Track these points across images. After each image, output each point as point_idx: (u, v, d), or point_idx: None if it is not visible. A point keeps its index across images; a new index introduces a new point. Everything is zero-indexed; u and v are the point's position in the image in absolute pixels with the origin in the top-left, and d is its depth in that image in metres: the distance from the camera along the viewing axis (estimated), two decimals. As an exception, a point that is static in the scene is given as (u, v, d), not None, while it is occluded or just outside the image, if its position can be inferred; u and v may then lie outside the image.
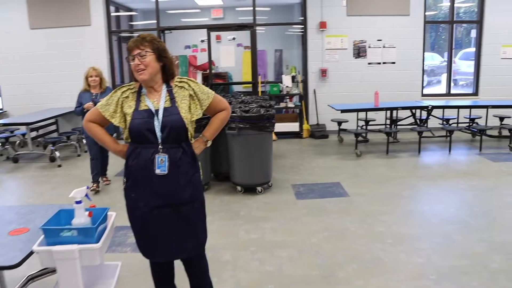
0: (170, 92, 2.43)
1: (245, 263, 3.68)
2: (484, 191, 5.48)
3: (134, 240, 4.08)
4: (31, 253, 1.97)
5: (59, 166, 7.24)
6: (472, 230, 4.30)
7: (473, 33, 12.08)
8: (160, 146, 2.32)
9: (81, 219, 2.04)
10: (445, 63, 14.64)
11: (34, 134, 8.31)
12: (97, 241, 1.99)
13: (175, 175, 2.36)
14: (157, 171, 2.31)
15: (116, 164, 7.08)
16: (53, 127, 8.82)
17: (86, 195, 2.17)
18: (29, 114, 8.44)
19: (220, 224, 4.56)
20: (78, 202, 2.05)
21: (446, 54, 14.49)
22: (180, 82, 2.48)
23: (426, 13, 9.36)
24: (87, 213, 2.09)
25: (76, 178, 6.53)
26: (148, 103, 2.37)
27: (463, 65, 13.64)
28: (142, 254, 2.52)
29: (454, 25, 9.88)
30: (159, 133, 2.32)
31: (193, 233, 2.49)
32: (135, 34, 11.64)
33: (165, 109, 2.36)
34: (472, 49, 12.02)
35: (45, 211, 2.51)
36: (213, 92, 2.55)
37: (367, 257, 3.77)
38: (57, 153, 7.38)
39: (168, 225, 2.41)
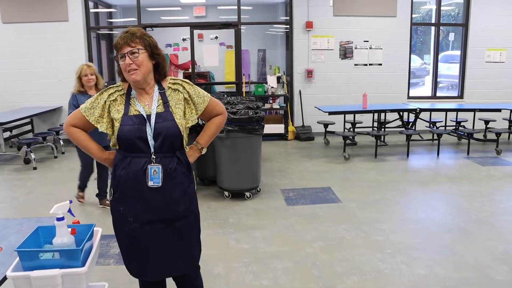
0: (163, 95, 2.17)
1: (238, 277, 3.44)
2: (478, 196, 5.36)
3: (118, 251, 3.83)
4: (4, 279, 1.68)
5: (35, 168, 6.85)
6: (472, 238, 4.15)
7: (451, 36, 12.12)
8: (153, 156, 2.06)
9: (63, 238, 1.76)
10: (424, 66, 14.76)
11: (7, 134, 7.86)
12: (83, 264, 1.72)
13: (169, 188, 2.11)
14: (150, 184, 2.06)
15: (93, 166, 6.75)
16: (28, 127, 8.39)
17: (69, 211, 1.89)
18: (1, 113, 7.98)
19: (209, 233, 4.30)
20: (60, 219, 1.77)
21: (425, 56, 14.62)
22: (174, 84, 2.22)
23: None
24: (69, 230, 1.82)
25: (52, 182, 6.17)
26: (139, 107, 2.11)
27: (443, 68, 13.69)
28: (130, 273, 2.25)
29: (437, 27, 9.80)
30: (151, 141, 2.06)
31: (187, 249, 2.25)
32: (115, 32, 11.27)
33: (157, 114, 2.10)
34: (452, 52, 12.08)
35: (20, 226, 2.21)
36: (209, 95, 2.29)
37: (367, 268, 3.57)
38: (32, 155, 6.97)
39: (160, 242, 2.15)
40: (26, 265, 1.67)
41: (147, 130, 2.05)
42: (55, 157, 7.63)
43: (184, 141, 2.18)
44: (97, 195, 5.16)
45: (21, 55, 8.55)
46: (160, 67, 2.18)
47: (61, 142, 8.05)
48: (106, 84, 5.15)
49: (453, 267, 3.58)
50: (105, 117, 2.10)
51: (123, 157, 2.09)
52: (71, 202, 1.90)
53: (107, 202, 4.97)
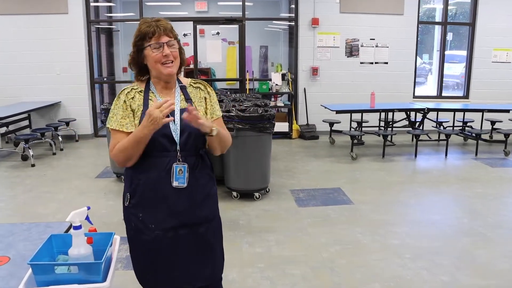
0: (184, 90, 2.01)
1: (254, 283, 3.26)
2: (491, 199, 5.22)
3: (126, 254, 3.64)
4: (15, 294, 1.50)
5: (33, 165, 6.63)
6: (491, 243, 4.00)
7: (450, 36, 11.98)
8: (179, 154, 1.88)
9: (80, 248, 1.57)
10: (424, 65, 14.64)
11: (3, 130, 7.63)
12: (104, 279, 1.54)
13: (193, 189, 1.93)
14: (175, 184, 1.87)
15: (94, 164, 6.56)
16: (25, 123, 8.15)
17: (87, 218, 1.70)
18: (-2, 108, 7.76)
19: (219, 235, 4.11)
20: (77, 228, 1.57)
21: (424, 56, 14.49)
22: (196, 83, 2.08)
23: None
24: (86, 238, 1.63)
25: (52, 179, 5.95)
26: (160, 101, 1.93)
27: (444, 67, 13.58)
28: (145, 286, 2.05)
29: (441, 27, 9.64)
30: (177, 138, 1.88)
31: (211, 257, 2.07)
32: (114, 26, 11.05)
33: (181, 110, 1.92)
34: (451, 52, 11.93)
35: (28, 232, 2.02)
36: (220, 114, 2.10)
37: (387, 274, 3.40)
38: (30, 151, 6.74)
39: (184, 249, 1.96)
40: (40, 279, 1.48)
41: (171, 126, 1.87)
42: (54, 153, 7.41)
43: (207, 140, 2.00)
44: None
45: (19, 48, 8.29)
46: (182, 62, 2.02)
47: (60, 139, 7.82)
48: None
49: (477, 274, 3.43)
50: (128, 116, 1.92)
51: (143, 158, 1.90)
52: (89, 208, 1.71)
53: None
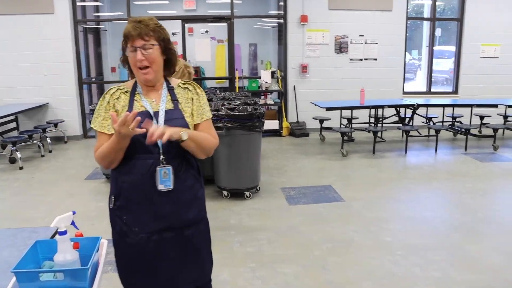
0: (171, 91, 1.97)
1: (246, 283, 3.23)
2: (482, 194, 5.24)
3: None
4: (-1, 302, 1.46)
5: (21, 168, 6.54)
6: (482, 238, 4.02)
7: (438, 32, 12.03)
8: (162, 156, 1.84)
9: (66, 254, 1.53)
10: (412, 61, 14.70)
11: (-9, 132, 7.54)
12: (90, 285, 1.50)
13: (179, 191, 1.90)
14: (161, 187, 1.83)
15: (83, 165, 6.49)
16: (13, 125, 8.05)
17: (73, 223, 1.66)
18: (-15, 110, 7.64)
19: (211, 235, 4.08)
20: (62, 233, 1.53)
21: (412, 51, 14.55)
22: (185, 83, 2.03)
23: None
24: (72, 244, 1.59)
25: (40, 182, 5.88)
26: (145, 103, 1.90)
27: (433, 63, 13.65)
28: None
29: (430, 23, 9.66)
30: (159, 140, 1.81)
31: (198, 260, 2.04)
32: (102, 26, 10.95)
33: (166, 111, 1.89)
34: (440, 47, 11.99)
35: (13, 237, 1.97)
36: (210, 116, 2.03)
37: (380, 272, 3.40)
38: (18, 154, 6.66)
39: (169, 253, 1.93)
40: (25, 287, 1.44)
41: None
42: (42, 156, 7.32)
43: None
44: None
45: (4, 49, 8.17)
46: (170, 63, 1.97)
47: (48, 141, 7.73)
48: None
49: (468, 269, 3.43)
50: (109, 119, 1.87)
51: (127, 160, 1.86)
52: (74, 213, 1.68)
53: None
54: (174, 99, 1.95)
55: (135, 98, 1.91)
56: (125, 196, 1.88)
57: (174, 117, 1.89)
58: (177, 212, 1.91)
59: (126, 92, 1.93)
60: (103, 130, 1.87)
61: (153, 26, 1.84)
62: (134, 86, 1.95)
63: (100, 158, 1.85)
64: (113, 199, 1.92)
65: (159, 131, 1.68)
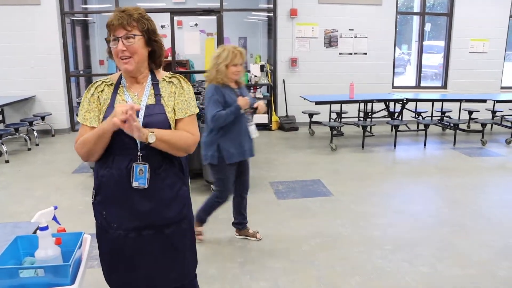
0: (155, 86, 1.90)
1: (234, 278, 3.21)
2: (471, 188, 5.27)
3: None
4: (-23, 300, 1.42)
5: (7, 162, 6.44)
6: (471, 233, 4.03)
7: (428, 27, 12.07)
8: (139, 153, 1.79)
9: (47, 250, 1.50)
10: (402, 55, 14.75)
11: (-24, 125, 7.42)
12: (72, 281, 1.46)
13: (158, 189, 1.84)
14: (135, 184, 1.78)
15: (70, 159, 6.41)
16: (-2, 118, 7.94)
17: (54, 218, 1.62)
18: (-31, 103, 7.50)
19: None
20: (43, 229, 1.49)
21: (402, 46, 14.61)
22: (171, 77, 1.96)
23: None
24: (54, 239, 1.55)
25: (27, 176, 5.79)
26: (127, 97, 1.84)
27: (423, 58, 13.72)
28: (110, 285, 1.98)
29: (419, 17, 9.68)
30: None
31: (179, 260, 1.99)
32: (90, 18, 10.80)
33: (147, 106, 1.84)
34: (429, 42, 12.05)
35: (-5, 232, 1.93)
36: (195, 112, 1.96)
37: (368, 267, 3.39)
38: (4, 147, 6.56)
39: (148, 251, 1.89)
40: (4, 284, 1.40)
41: None
42: (29, 149, 7.22)
43: None
44: (234, 224, 3.96)
45: (-11, 41, 8.04)
46: (156, 56, 1.91)
47: (35, 134, 7.63)
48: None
49: (456, 264, 3.45)
50: (93, 111, 1.84)
51: (107, 155, 1.82)
52: (56, 208, 1.63)
53: (250, 231, 3.90)
54: (157, 94, 1.88)
55: (118, 92, 1.87)
56: (104, 191, 1.84)
57: (154, 113, 1.84)
58: (157, 210, 1.86)
59: (110, 84, 1.89)
60: (85, 122, 1.84)
61: (136, 16, 1.78)
62: (119, 79, 1.90)
63: (80, 146, 1.80)
64: (93, 193, 1.89)
65: (129, 127, 1.65)
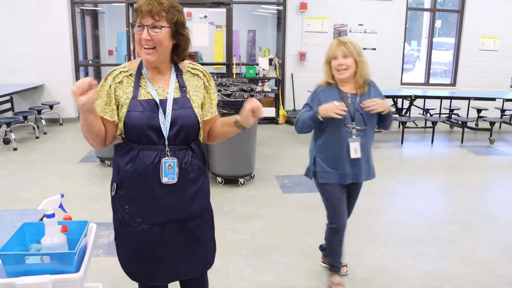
0: (180, 78, 1.84)
1: (238, 271, 3.23)
2: (478, 187, 5.24)
3: (107, 241, 3.58)
4: (-16, 284, 1.44)
5: (15, 149, 6.49)
6: (476, 232, 4.02)
7: (438, 23, 11.98)
8: (167, 148, 1.77)
9: (53, 238, 1.51)
10: (411, 51, 14.65)
11: (-15, 112, 7.47)
12: (78, 269, 1.48)
13: (184, 184, 1.82)
14: (165, 180, 1.75)
15: (78, 148, 6.44)
16: (8, 106, 7.99)
17: (61, 206, 1.64)
18: (-21, 90, 7.55)
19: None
20: (50, 216, 1.51)
21: (412, 42, 14.50)
22: (193, 68, 1.91)
23: None
24: (60, 227, 1.57)
25: (34, 164, 5.84)
26: (151, 90, 1.78)
27: (432, 54, 13.63)
28: (133, 278, 1.97)
29: (430, 13, 9.59)
30: (166, 131, 1.75)
31: (202, 250, 1.99)
32: (100, 8, 10.80)
33: (174, 100, 1.79)
34: (439, 39, 11.96)
35: (1, 219, 1.94)
36: (216, 111, 1.99)
37: (372, 263, 3.40)
38: (12, 135, 6.61)
39: (172, 244, 1.88)
40: (10, 270, 1.42)
41: (160, 118, 1.74)
42: (37, 137, 7.27)
43: (201, 131, 1.90)
44: (323, 248, 3.34)
45: (1, 28, 8.06)
46: (180, 49, 1.82)
47: (43, 122, 7.68)
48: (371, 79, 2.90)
49: (460, 262, 3.44)
50: (112, 104, 1.77)
51: (130, 149, 1.78)
52: (62, 196, 1.65)
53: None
54: (182, 86, 1.84)
55: (140, 84, 1.80)
56: (128, 186, 1.80)
57: (182, 107, 1.80)
58: (181, 205, 1.85)
59: (130, 75, 1.81)
60: (105, 116, 1.76)
61: (167, 6, 1.70)
62: (139, 68, 1.83)
63: (86, 138, 1.77)
64: (115, 187, 1.84)
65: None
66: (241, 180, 5.07)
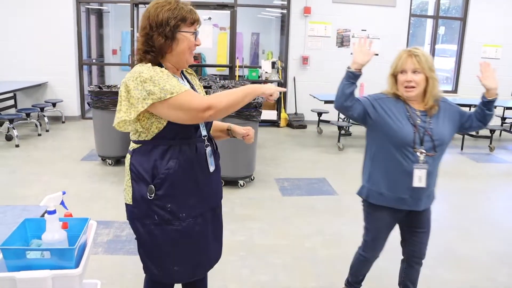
0: (185, 77, 2.00)
1: (235, 271, 3.26)
2: (475, 194, 5.27)
3: (106, 239, 3.62)
4: (-14, 278, 1.47)
5: (17, 146, 6.54)
6: (474, 238, 4.04)
7: (442, 30, 11.98)
8: (205, 138, 1.92)
9: (54, 234, 1.54)
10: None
11: (-12, 109, 7.53)
12: (77, 265, 1.51)
13: (216, 171, 1.99)
14: (211, 168, 1.92)
15: (80, 146, 6.49)
16: (11, 102, 8.04)
17: (62, 203, 1.67)
18: (-17, 86, 7.60)
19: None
20: (51, 213, 1.55)
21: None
22: (186, 70, 2.08)
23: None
24: (61, 223, 1.60)
25: (36, 161, 5.88)
26: (185, 84, 1.93)
27: (435, 61, 13.59)
28: (174, 281, 1.98)
29: (433, 20, 9.63)
30: (202, 124, 1.92)
31: (222, 236, 2.16)
32: (105, 8, 10.87)
33: None
34: (442, 46, 11.96)
35: (3, 215, 1.98)
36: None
37: (368, 267, 3.42)
38: (15, 132, 6.65)
39: (209, 233, 1.99)
40: (11, 264, 1.46)
41: None
42: (39, 134, 7.32)
43: None
44: None
45: (5, 26, 8.12)
46: None
47: (46, 119, 7.73)
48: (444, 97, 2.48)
49: (457, 268, 3.47)
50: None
51: (167, 146, 1.79)
52: (64, 193, 1.68)
53: None
54: (191, 85, 1.99)
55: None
56: (171, 184, 1.80)
57: None
58: (216, 192, 2.03)
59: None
60: (182, 89, 1.68)
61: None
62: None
63: (223, 98, 1.71)
64: (153, 189, 1.79)
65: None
66: (241, 182, 5.10)
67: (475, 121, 2.50)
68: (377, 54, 8.98)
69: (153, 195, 1.79)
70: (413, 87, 2.27)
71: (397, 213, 2.50)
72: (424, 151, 2.29)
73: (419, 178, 2.32)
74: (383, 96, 2.40)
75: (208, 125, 1.97)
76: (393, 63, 2.38)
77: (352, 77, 2.35)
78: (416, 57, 2.26)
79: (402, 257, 2.80)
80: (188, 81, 1.98)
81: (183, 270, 1.92)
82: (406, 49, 2.36)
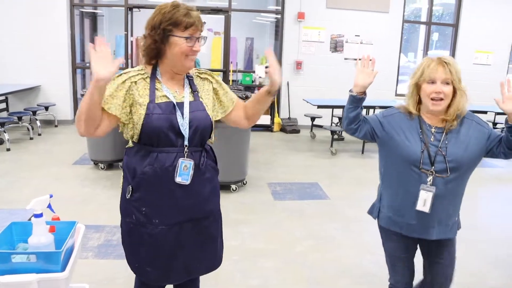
0: (192, 82, 1.94)
1: (227, 275, 3.25)
2: (468, 199, 5.24)
3: (97, 243, 3.60)
4: (-30, 282, 1.46)
5: (8, 150, 6.50)
6: (466, 244, 4.04)
7: (435, 36, 12.08)
8: (185, 150, 1.83)
9: (40, 237, 1.54)
10: (408, 63, 14.75)
11: (-20, 112, 7.48)
12: (63, 269, 1.51)
13: (200, 185, 1.90)
14: (178, 180, 1.81)
15: (72, 150, 6.46)
16: (3, 106, 8.00)
17: (49, 206, 1.66)
18: (-25, 89, 7.56)
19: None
20: (38, 216, 1.54)
21: (409, 54, 14.59)
22: (202, 73, 2.02)
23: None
24: (48, 227, 1.60)
25: (27, 165, 5.85)
26: (168, 93, 1.84)
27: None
28: (147, 280, 1.99)
29: (426, 26, 9.71)
30: (185, 132, 1.81)
31: (213, 248, 2.06)
32: (99, 11, 10.86)
33: (189, 103, 1.87)
34: (435, 51, 12.05)
35: (-9, 218, 1.97)
36: (235, 97, 2.11)
37: (359, 271, 3.43)
38: (6, 135, 6.61)
39: (188, 243, 1.94)
40: (-3, 267, 1.45)
41: (178, 120, 1.81)
42: (31, 138, 7.28)
43: (212, 133, 2.00)
44: None
45: (-1, 29, 8.11)
46: None
47: (38, 123, 7.69)
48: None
49: (446, 273, 3.47)
50: (127, 107, 1.81)
51: (148, 151, 1.82)
52: (51, 196, 1.68)
53: None
54: (195, 90, 1.93)
55: (156, 87, 1.85)
56: (146, 188, 1.83)
57: (197, 109, 1.88)
58: (198, 205, 1.92)
59: (146, 78, 1.85)
60: (104, 106, 1.72)
61: (200, 19, 1.85)
62: (153, 73, 1.87)
63: (77, 118, 1.70)
64: (130, 190, 1.84)
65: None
66: (233, 186, 5.10)
67: (505, 148, 2.11)
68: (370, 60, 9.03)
69: (129, 195, 1.84)
70: (442, 99, 2.02)
71: (409, 239, 2.33)
72: (433, 171, 2.08)
73: (423, 201, 2.12)
74: (394, 111, 2.23)
75: (195, 137, 1.86)
76: (417, 70, 2.10)
77: (355, 101, 2.24)
78: (448, 66, 2.01)
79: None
80: (191, 87, 1.93)
81: (156, 273, 1.93)
82: (433, 57, 2.09)
